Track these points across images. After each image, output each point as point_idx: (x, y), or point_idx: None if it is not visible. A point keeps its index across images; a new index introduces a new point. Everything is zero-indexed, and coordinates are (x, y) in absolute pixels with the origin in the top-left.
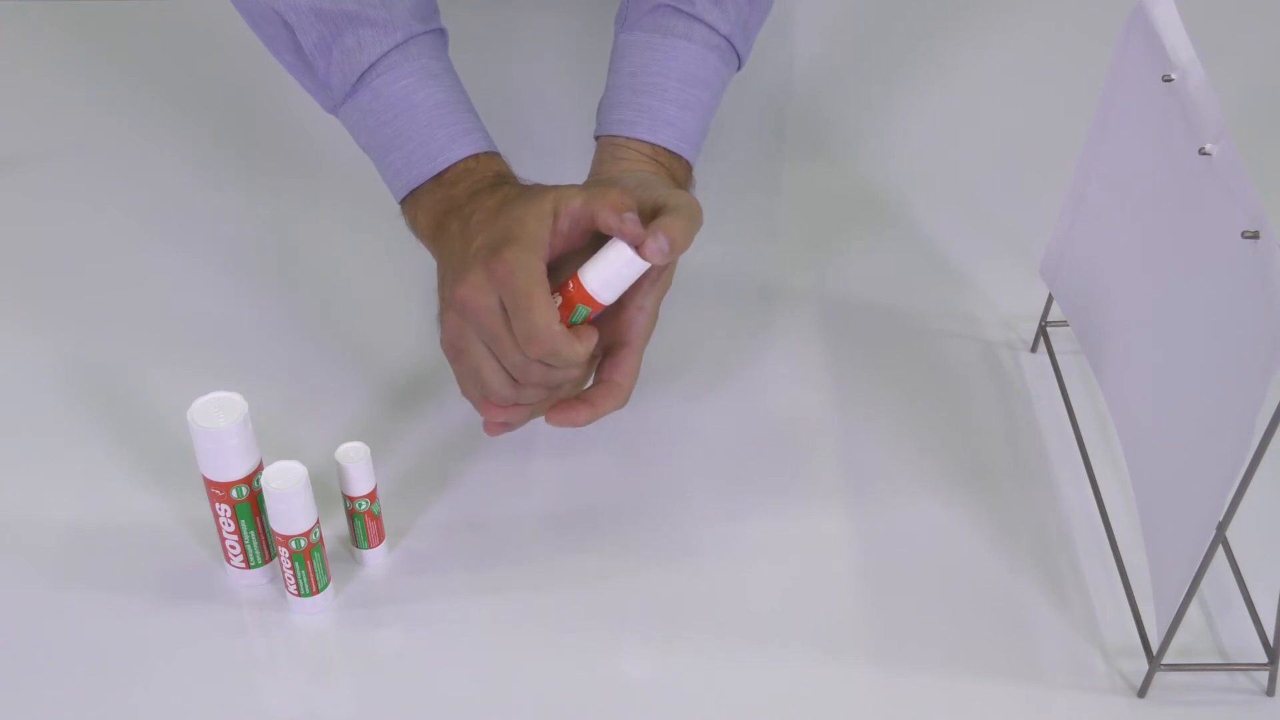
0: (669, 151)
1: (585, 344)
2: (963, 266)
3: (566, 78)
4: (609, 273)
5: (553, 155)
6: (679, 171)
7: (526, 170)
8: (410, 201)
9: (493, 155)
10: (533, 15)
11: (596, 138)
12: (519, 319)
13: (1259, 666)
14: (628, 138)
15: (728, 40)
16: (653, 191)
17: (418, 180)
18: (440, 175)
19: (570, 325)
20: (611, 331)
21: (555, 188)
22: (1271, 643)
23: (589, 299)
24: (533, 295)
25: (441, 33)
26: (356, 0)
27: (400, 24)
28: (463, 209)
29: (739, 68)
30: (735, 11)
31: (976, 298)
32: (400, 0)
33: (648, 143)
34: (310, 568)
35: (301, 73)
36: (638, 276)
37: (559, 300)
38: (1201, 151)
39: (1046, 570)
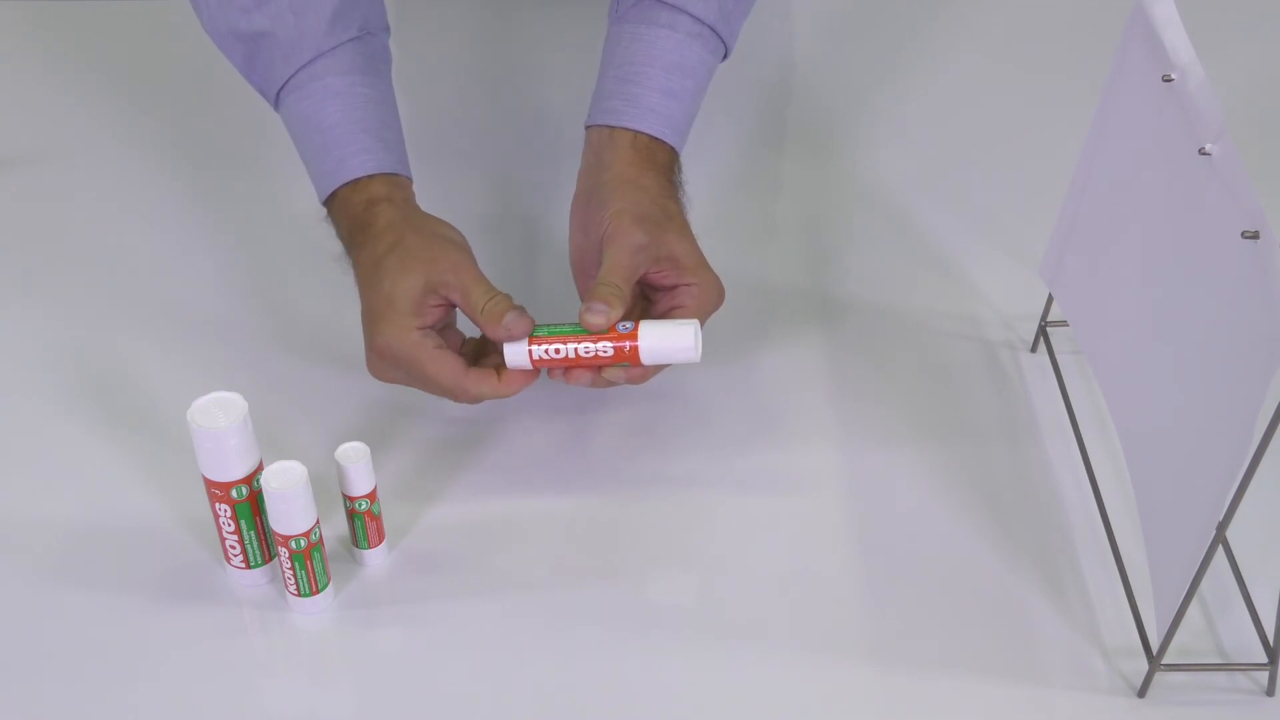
0: (653, 138)
1: (490, 387)
2: (963, 266)
3: (566, 70)
4: (661, 350)
5: (553, 148)
6: (662, 157)
7: (530, 163)
8: (330, 216)
9: (371, 179)
10: (532, 8)
11: (587, 128)
12: (428, 388)
13: (1259, 666)
14: (613, 126)
15: (711, 29)
16: (666, 247)
17: (321, 200)
18: (331, 200)
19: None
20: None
21: (435, 253)
22: (1271, 643)
23: (635, 357)
24: (423, 365)
25: (359, 40)
26: (269, 17)
27: (308, 43)
28: (349, 252)
29: (725, 55)
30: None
31: (976, 298)
32: (314, 9)
33: (631, 130)
34: (310, 568)
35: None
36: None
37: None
38: (1201, 151)
39: (1046, 570)
